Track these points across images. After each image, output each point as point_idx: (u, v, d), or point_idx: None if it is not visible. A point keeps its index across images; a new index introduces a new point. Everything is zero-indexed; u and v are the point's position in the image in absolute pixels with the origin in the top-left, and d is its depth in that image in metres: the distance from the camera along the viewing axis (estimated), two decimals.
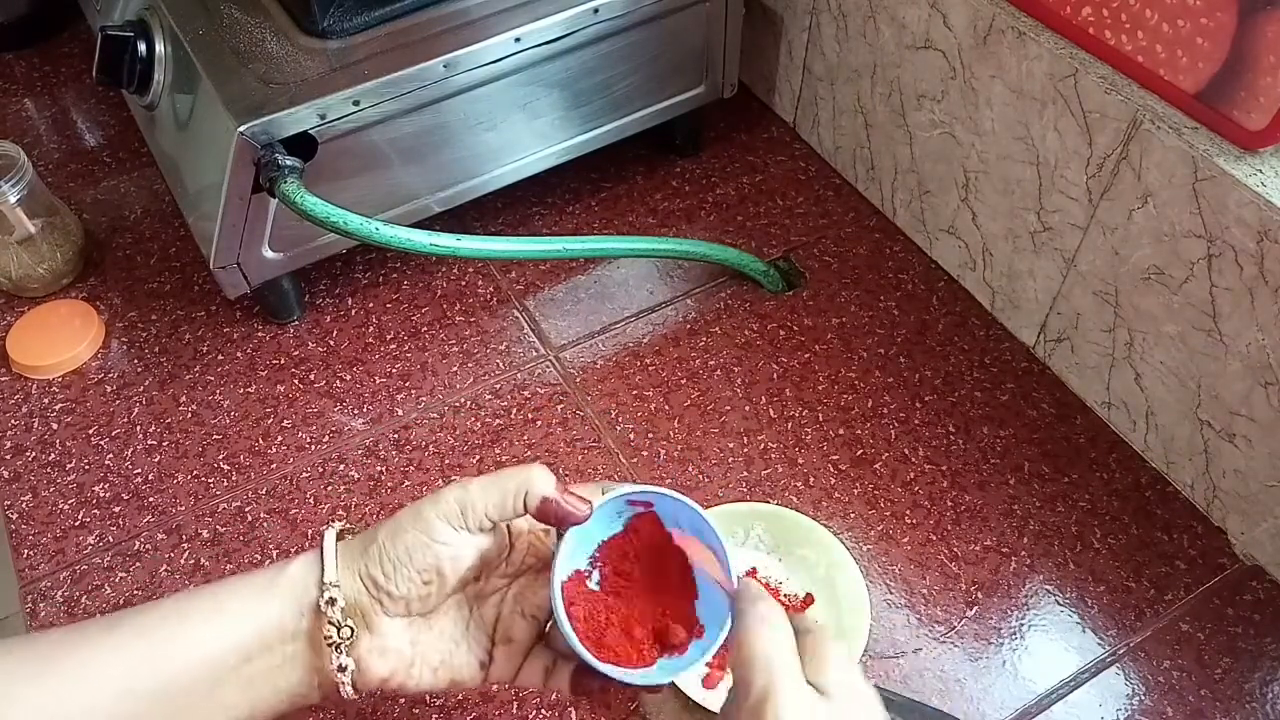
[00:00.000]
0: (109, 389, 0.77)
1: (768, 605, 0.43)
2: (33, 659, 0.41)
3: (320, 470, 0.72)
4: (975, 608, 0.65)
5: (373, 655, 0.45)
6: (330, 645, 0.44)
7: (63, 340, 0.79)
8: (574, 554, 0.48)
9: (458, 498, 0.45)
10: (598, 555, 0.49)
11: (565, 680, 0.48)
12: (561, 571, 0.46)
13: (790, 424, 0.74)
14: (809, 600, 0.64)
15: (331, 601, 0.44)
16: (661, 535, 0.49)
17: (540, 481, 0.46)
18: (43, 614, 0.65)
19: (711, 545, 0.48)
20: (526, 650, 0.49)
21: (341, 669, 0.44)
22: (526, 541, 0.49)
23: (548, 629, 0.50)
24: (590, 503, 0.47)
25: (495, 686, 0.61)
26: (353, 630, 0.44)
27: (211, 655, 0.43)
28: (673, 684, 0.58)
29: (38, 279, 0.81)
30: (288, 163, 0.65)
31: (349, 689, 0.45)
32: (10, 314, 0.81)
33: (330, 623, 0.44)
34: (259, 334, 0.81)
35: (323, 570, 0.45)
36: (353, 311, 0.82)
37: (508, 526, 0.48)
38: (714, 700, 0.59)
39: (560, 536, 0.46)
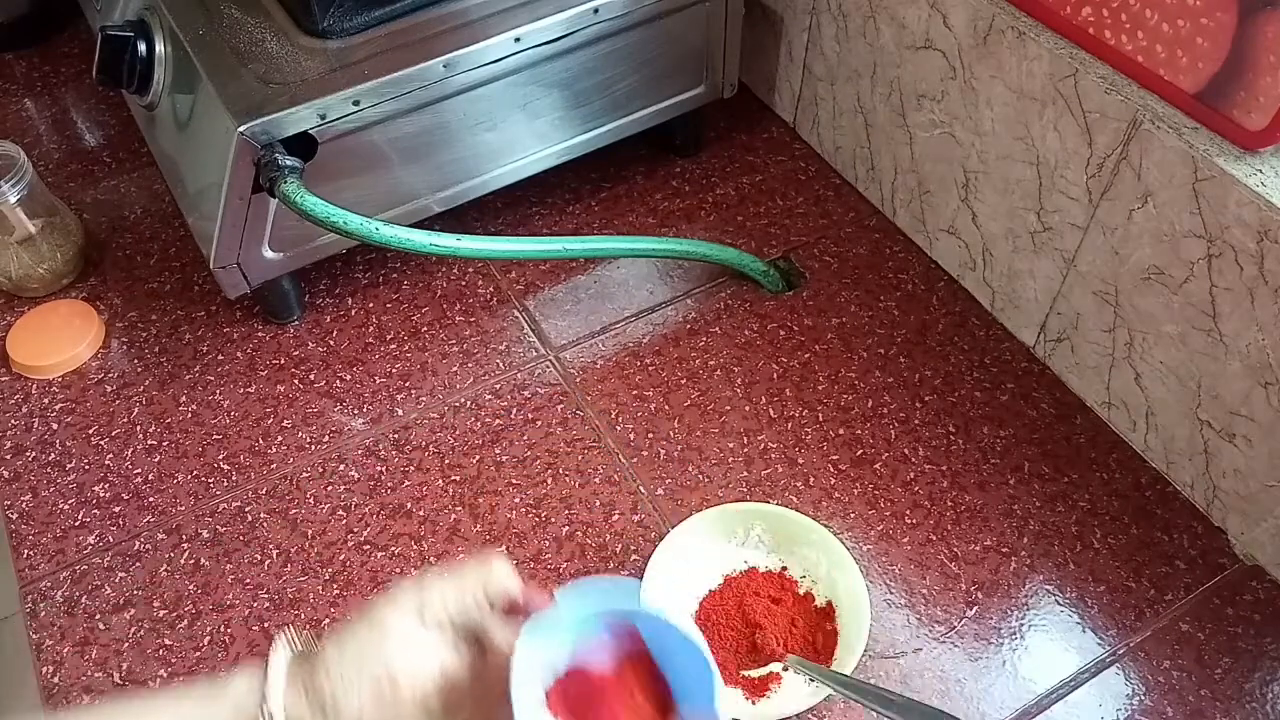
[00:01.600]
0: (109, 389, 0.77)
1: None
2: None
3: (320, 470, 0.72)
4: (975, 608, 0.65)
5: None
6: None
7: (63, 340, 0.79)
8: (537, 666, 0.44)
9: (413, 596, 0.43)
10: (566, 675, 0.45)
11: None
12: (523, 681, 0.42)
13: (790, 424, 0.74)
14: (809, 599, 0.64)
15: None
16: (641, 651, 0.46)
17: (500, 570, 0.44)
18: (43, 614, 0.65)
19: (693, 660, 0.45)
20: None
21: None
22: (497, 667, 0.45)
23: None
24: (551, 595, 0.44)
25: None
26: None
27: None
28: None
29: (38, 279, 0.81)
30: (288, 163, 0.65)
31: None
32: (10, 314, 0.81)
33: None
34: (259, 334, 0.81)
35: (265, 694, 0.41)
36: (353, 311, 0.82)
37: (480, 643, 0.44)
38: None
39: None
